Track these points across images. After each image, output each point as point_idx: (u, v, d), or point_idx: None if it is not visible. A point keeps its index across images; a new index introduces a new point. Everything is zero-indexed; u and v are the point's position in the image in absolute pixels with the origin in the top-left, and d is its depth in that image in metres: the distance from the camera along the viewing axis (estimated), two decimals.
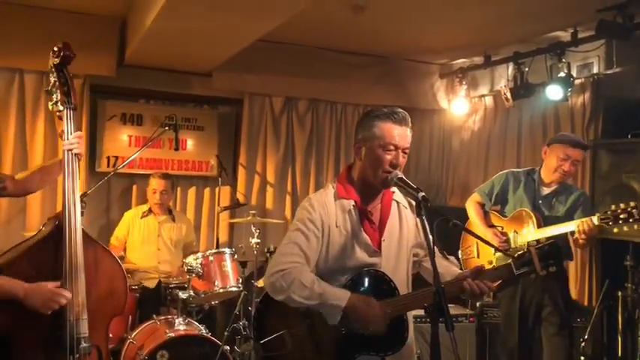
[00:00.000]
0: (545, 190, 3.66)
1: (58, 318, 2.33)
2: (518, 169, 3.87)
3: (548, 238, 3.28)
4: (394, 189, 2.33)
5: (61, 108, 2.47)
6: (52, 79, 2.52)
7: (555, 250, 2.31)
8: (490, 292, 2.32)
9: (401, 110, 2.23)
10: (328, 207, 2.25)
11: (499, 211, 3.79)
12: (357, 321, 2.12)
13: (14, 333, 2.31)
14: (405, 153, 2.23)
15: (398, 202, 2.36)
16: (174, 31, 4.12)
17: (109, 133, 5.25)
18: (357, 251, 2.24)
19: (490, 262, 3.64)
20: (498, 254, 3.59)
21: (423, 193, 2.02)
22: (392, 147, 2.18)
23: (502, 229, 3.69)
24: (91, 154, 5.12)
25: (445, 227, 2.10)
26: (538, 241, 2.99)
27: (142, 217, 4.84)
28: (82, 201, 3.55)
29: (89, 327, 2.40)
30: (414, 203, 2.31)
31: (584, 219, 3.28)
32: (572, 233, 3.33)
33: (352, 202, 2.26)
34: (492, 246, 3.23)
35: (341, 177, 2.35)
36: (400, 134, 2.20)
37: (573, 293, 4.82)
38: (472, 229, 3.74)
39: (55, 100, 2.49)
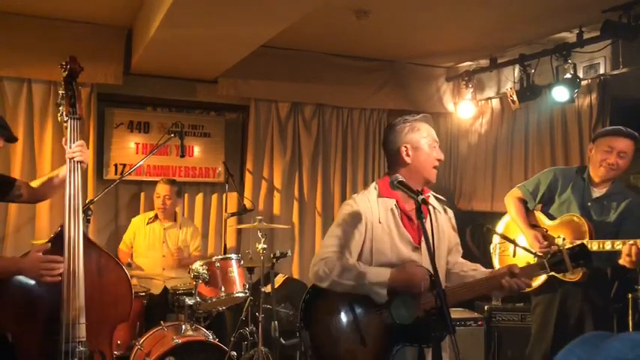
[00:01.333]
0: (596, 192, 3.38)
1: (56, 322, 2.37)
2: (566, 167, 3.61)
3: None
4: (429, 194, 2.46)
5: (66, 119, 2.59)
6: (61, 92, 2.64)
7: (585, 251, 2.44)
8: (527, 288, 2.38)
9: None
10: (371, 204, 2.36)
11: (543, 211, 3.53)
12: (402, 285, 2.21)
13: (15, 335, 2.36)
14: None
15: (434, 207, 2.44)
16: (177, 38, 4.15)
17: (117, 141, 5.29)
18: (400, 246, 2.33)
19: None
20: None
21: (423, 196, 2.03)
22: (436, 144, 2.40)
23: (546, 231, 3.41)
24: (99, 162, 5.16)
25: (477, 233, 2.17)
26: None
27: (147, 224, 4.87)
28: (88, 208, 3.63)
29: (93, 333, 2.44)
30: (446, 207, 2.50)
31: (635, 241, 3.03)
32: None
33: (394, 201, 2.37)
34: (530, 251, 3.00)
35: (384, 179, 2.45)
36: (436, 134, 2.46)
37: None
38: (510, 227, 3.57)
39: (61, 111, 2.62)
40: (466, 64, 6.02)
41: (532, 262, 3.30)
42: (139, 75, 5.19)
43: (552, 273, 2.43)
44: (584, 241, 3.13)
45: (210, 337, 3.85)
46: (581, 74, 4.76)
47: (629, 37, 4.08)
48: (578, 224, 3.28)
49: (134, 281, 4.56)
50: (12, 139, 2.64)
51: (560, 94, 4.65)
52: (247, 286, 4.21)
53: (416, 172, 2.37)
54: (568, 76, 4.64)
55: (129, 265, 4.70)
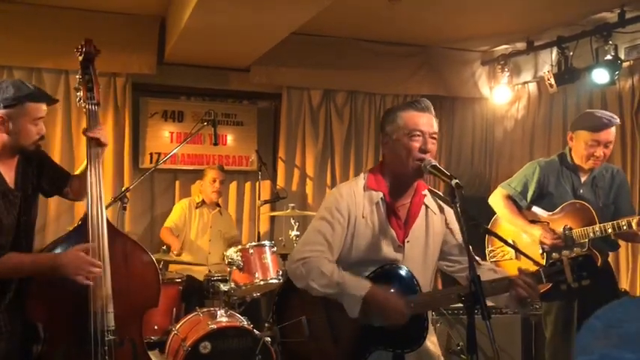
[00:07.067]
0: (583, 176, 3.31)
1: (85, 312, 2.35)
2: (547, 159, 3.46)
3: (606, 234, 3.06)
4: (426, 192, 2.31)
5: (84, 104, 2.53)
6: (78, 77, 2.58)
7: (589, 263, 2.23)
8: (534, 298, 2.15)
9: (422, 99, 2.24)
10: (356, 197, 2.24)
11: (536, 206, 3.39)
12: (377, 312, 2.06)
13: (46, 327, 2.37)
14: (434, 139, 2.20)
15: (427, 207, 2.31)
16: (209, 27, 4.17)
17: (152, 130, 5.36)
18: (382, 244, 2.22)
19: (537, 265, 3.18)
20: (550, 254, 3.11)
21: (457, 180, 1.98)
22: (418, 133, 2.17)
23: (548, 224, 3.25)
24: (134, 151, 5.24)
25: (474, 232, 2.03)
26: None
27: (196, 208, 4.98)
28: (124, 196, 3.69)
29: (122, 320, 2.42)
30: (444, 207, 2.31)
31: None
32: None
33: (381, 195, 2.24)
34: (530, 258, 2.57)
35: (374, 169, 2.34)
36: (425, 121, 2.18)
37: (625, 283, 4.65)
38: (503, 228, 3.36)
39: (79, 96, 2.56)
40: (502, 48, 5.88)
41: (540, 260, 3.18)
42: (172, 64, 5.24)
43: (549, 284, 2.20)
44: (596, 227, 3.08)
45: (245, 323, 3.89)
46: (622, 55, 4.60)
47: None
48: (582, 210, 3.18)
49: (172, 268, 4.64)
50: (52, 101, 2.55)
51: (600, 76, 4.51)
52: (281, 273, 4.23)
53: (395, 165, 2.22)
54: (609, 57, 4.49)
55: (165, 251, 4.76)
